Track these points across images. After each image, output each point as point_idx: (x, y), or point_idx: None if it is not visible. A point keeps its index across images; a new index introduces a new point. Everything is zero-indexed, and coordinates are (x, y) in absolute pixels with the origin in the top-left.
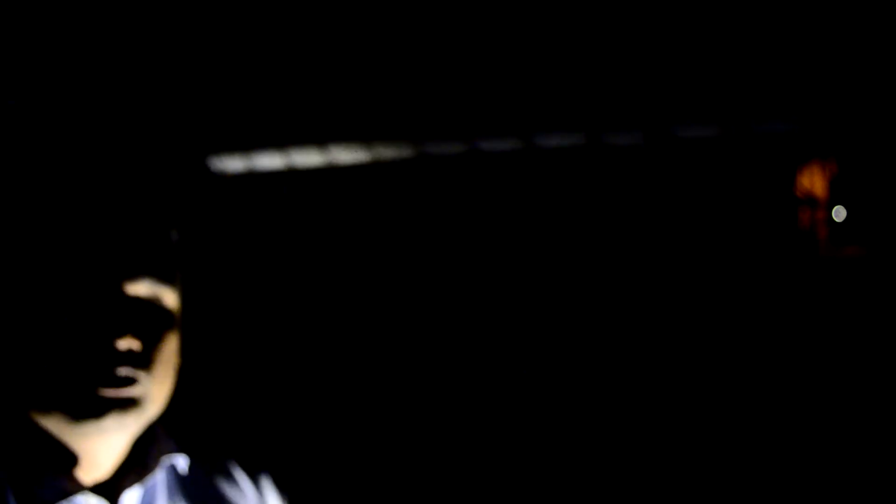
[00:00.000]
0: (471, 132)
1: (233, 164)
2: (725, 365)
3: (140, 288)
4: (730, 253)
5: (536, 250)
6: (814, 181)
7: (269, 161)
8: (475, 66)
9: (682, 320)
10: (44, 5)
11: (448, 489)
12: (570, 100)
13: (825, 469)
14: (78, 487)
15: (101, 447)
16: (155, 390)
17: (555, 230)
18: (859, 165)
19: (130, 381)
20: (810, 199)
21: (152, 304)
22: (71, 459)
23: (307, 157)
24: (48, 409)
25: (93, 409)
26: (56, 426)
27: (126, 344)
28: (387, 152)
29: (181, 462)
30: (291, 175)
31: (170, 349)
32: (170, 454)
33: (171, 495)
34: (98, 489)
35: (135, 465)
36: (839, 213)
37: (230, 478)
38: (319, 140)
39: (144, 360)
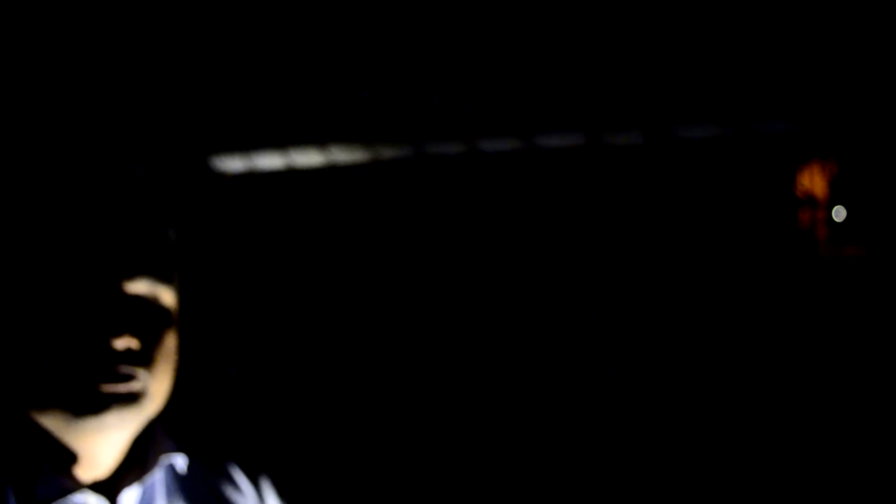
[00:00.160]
0: (471, 132)
1: (233, 164)
2: (725, 364)
3: (138, 287)
4: (730, 253)
5: (536, 250)
6: (814, 181)
7: (269, 161)
8: (475, 66)
9: (682, 320)
10: (43, 4)
11: (448, 489)
12: (570, 100)
13: (825, 469)
14: (77, 485)
15: (100, 445)
16: (154, 387)
17: (555, 230)
18: (859, 165)
19: (130, 378)
20: (810, 199)
21: (151, 303)
22: (70, 458)
23: (307, 157)
24: (48, 407)
25: (93, 404)
26: (56, 424)
27: (125, 342)
28: (387, 152)
29: (180, 461)
30: (291, 175)
31: (168, 347)
32: (169, 453)
33: (169, 494)
34: (97, 487)
35: (134, 464)
36: (839, 213)
37: (229, 477)
38: (319, 140)
39: (143, 358)
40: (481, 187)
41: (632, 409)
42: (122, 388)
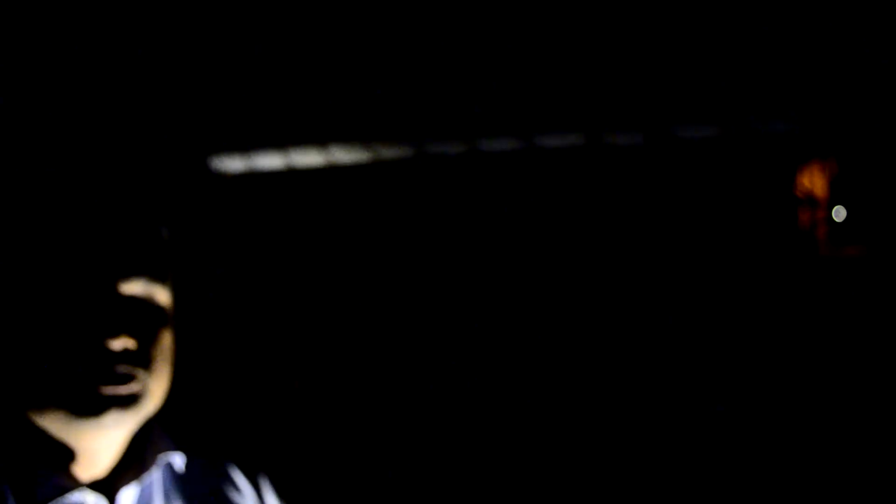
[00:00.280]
0: (471, 132)
1: (233, 164)
2: (725, 364)
3: (134, 287)
4: (730, 253)
5: (536, 250)
6: (814, 181)
7: (269, 161)
8: (475, 66)
9: (681, 320)
10: (43, 4)
11: (448, 489)
12: (570, 100)
13: (825, 469)
14: (75, 484)
15: (98, 444)
16: (152, 387)
17: (555, 230)
18: (859, 165)
19: (128, 378)
20: (810, 199)
21: (146, 303)
22: (69, 457)
23: (307, 157)
24: (46, 408)
25: (92, 406)
26: (54, 425)
27: (122, 343)
28: (387, 152)
29: (178, 460)
30: (291, 175)
31: (165, 346)
32: (167, 452)
33: (167, 493)
34: (95, 486)
35: (132, 463)
36: (839, 213)
37: (227, 476)
38: (319, 140)
39: (141, 358)
40: (481, 187)
41: (632, 410)
42: (121, 389)
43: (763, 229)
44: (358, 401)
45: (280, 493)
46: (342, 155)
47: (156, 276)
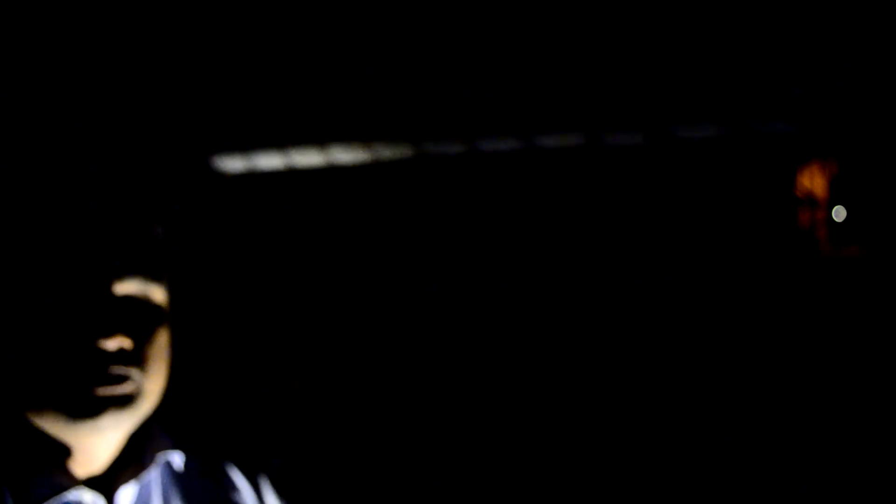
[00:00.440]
0: (471, 132)
1: (233, 164)
2: (725, 364)
3: (129, 286)
4: (730, 253)
5: (537, 250)
6: (814, 181)
7: (269, 161)
8: (475, 66)
9: (681, 320)
10: (43, 4)
11: (448, 489)
12: (570, 100)
13: (825, 468)
14: (73, 482)
15: (96, 444)
16: (149, 386)
17: (555, 230)
18: (859, 165)
19: (124, 379)
20: (810, 199)
21: (142, 302)
22: (66, 456)
23: (307, 157)
24: (43, 409)
25: (89, 408)
26: (51, 425)
27: (117, 343)
28: (386, 152)
29: (177, 459)
30: (291, 175)
31: (161, 345)
32: (165, 451)
33: (166, 492)
34: (93, 485)
35: (130, 462)
36: (839, 213)
37: (225, 475)
38: (319, 140)
39: (137, 358)
40: (481, 187)
41: (632, 410)
42: (117, 390)
43: (763, 229)
44: (358, 401)
45: (280, 492)
46: (342, 155)
47: (151, 275)
